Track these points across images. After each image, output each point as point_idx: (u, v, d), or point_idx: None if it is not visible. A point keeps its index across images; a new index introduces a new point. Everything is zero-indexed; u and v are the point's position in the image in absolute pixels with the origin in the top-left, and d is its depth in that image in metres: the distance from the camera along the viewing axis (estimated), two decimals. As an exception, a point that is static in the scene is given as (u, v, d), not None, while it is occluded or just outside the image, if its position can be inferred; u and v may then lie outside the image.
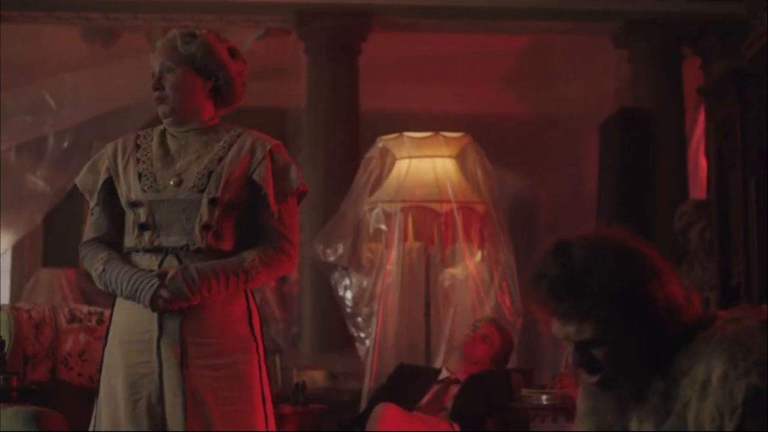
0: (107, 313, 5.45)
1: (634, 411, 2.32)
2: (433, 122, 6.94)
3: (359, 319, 6.38)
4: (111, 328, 3.29)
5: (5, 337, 4.82)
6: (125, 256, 3.25)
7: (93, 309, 5.45)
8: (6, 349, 4.74)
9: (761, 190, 6.14)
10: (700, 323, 2.29)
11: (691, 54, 8.28)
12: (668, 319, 2.25)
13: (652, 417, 2.28)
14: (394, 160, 6.40)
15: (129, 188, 3.26)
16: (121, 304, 3.26)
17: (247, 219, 3.25)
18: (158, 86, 3.27)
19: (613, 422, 2.38)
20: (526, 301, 2.40)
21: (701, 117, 7.88)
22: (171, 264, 3.17)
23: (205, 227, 3.17)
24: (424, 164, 6.26)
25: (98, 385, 3.29)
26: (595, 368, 2.28)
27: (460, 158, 6.37)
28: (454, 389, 5.48)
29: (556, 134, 8.93)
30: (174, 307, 3.13)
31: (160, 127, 3.35)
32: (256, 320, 3.25)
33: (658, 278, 2.25)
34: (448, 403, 5.43)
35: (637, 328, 2.24)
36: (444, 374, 5.63)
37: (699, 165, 8.19)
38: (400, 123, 6.94)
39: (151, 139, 3.33)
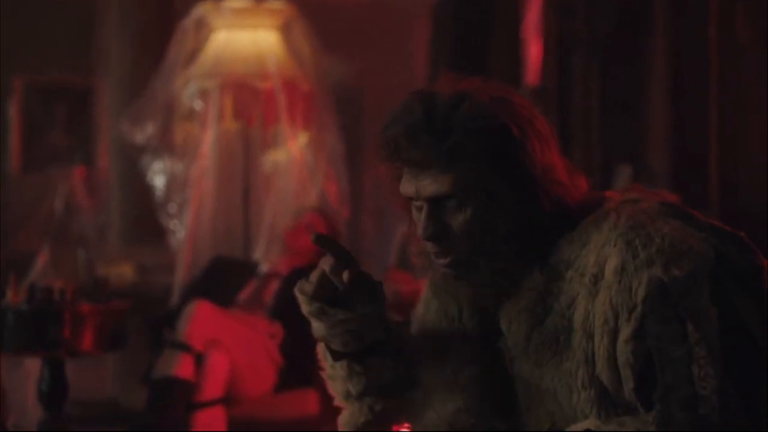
0: None
1: (502, 310, 1.88)
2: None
3: (171, 208, 6.10)
4: None
5: None
6: None
7: None
8: None
9: (603, 75, 6.04)
10: (586, 206, 1.84)
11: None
12: (546, 192, 1.79)
13: (525, 317, 1.83)
14: (211, 31, 6.03)
15: None
16: None
17: None
18: None
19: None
20: (373, 160, 1.87)
21: (538, -1, 7.66)
22: None
23: None
24: (244, 36, 5.91)
25: None
26: (446, 243, 1.82)
27: (285, 31, 6.05)
28: (276, 284, 5.18)
29: (387, 17, 8.62)
30: None
31: None
32: None
33: (538, 139, 1.80)
34: (269, 299, 5.15)
35: (506, 192, 1.77)
36: (264, 267, 5.41)
37: (532, 49, 7.99)
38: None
39: None
